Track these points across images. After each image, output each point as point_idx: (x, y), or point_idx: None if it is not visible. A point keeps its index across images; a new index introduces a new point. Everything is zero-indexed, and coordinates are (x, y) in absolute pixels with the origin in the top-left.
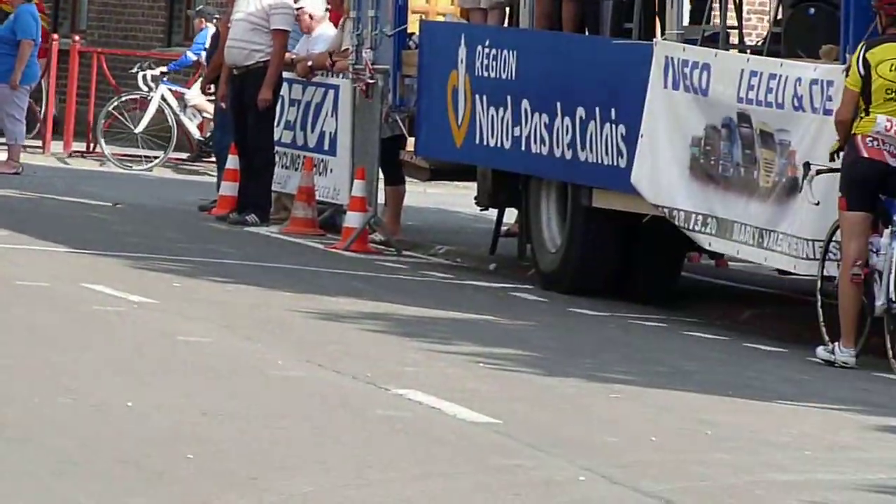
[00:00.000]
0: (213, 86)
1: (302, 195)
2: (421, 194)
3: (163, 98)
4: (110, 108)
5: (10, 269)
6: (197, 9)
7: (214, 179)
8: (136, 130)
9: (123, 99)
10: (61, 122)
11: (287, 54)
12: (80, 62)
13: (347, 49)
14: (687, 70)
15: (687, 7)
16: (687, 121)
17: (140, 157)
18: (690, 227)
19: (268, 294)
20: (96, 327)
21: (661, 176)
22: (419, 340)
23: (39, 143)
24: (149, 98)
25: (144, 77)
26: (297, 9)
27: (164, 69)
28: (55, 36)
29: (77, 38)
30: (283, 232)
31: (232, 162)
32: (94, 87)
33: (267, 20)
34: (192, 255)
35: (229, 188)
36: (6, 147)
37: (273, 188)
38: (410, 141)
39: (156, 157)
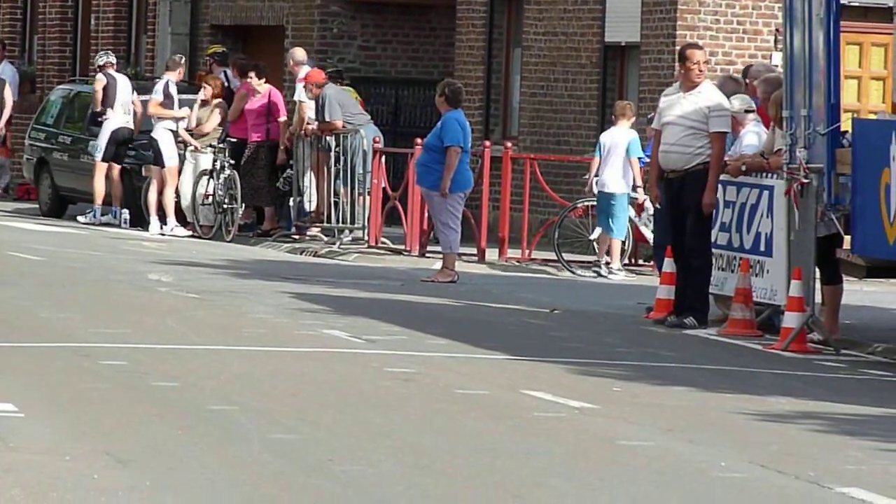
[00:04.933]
0: None
1: (739, 297)
2: (857, 292)
3: None
4: (564, 217)
5: (450, 378)
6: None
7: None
8: (592, 237)
9: (578, 206)
10: (495, 230)
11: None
12: (513, 168)
13: (780, 149)
14: None
15: None
16: None
17: (591, 262)
18: None
19: (708, 396)
20: (538, 433)
21: None
22: (860, 438)
23: (474, 250)
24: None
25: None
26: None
27: None
28: (487, 143)
29: (509, 144)
30: (721, 334)
31: (668, 265)
32: (527, 194)
33: (706, 123)
34: (631, 360)
35: (665, 291)
36: (441, 256)
37: (710, 290)
38: (847, 239)
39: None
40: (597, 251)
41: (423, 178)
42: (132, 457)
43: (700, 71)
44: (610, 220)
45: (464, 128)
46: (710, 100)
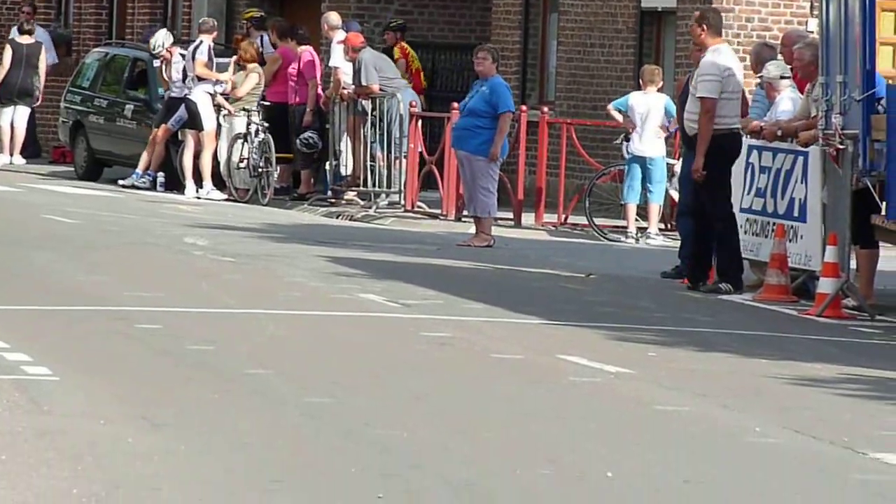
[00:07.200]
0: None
1: (774, 262)
2: (893, 259)
3: None
4: (596, 182)
5: (486, 342)
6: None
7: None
8: (625, 201)
9: (610, 171)
10: (531, 194)
11: (755, 122)
12: (549, 133)
13: (815, 115)
14: None
15: None
16: None
17: (622, 227)
18: None
19: (742, 361)
20: (573, 398)
21: None
22: (895, 404)
23: (510, 214)
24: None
25: (627, 147)
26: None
27: None
28: (524, 108)
29: (546, 109)
30: (756, 299)
31: None
32: (563, 159)
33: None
34: (667, 325)
35: None
36: (478, 220)
37: (745, 256)
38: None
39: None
40: (627, 218)
41: (464, 142)
42: (167, 421)
43: (699, 36)
44: (649, 183)
45: (509, 91)
46: (702, 65)
